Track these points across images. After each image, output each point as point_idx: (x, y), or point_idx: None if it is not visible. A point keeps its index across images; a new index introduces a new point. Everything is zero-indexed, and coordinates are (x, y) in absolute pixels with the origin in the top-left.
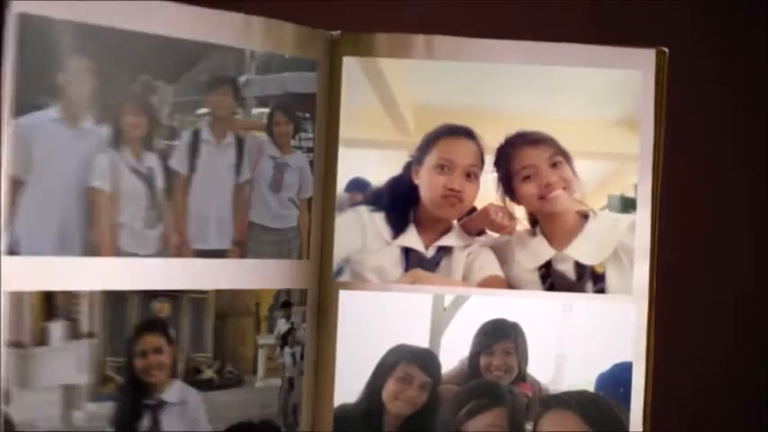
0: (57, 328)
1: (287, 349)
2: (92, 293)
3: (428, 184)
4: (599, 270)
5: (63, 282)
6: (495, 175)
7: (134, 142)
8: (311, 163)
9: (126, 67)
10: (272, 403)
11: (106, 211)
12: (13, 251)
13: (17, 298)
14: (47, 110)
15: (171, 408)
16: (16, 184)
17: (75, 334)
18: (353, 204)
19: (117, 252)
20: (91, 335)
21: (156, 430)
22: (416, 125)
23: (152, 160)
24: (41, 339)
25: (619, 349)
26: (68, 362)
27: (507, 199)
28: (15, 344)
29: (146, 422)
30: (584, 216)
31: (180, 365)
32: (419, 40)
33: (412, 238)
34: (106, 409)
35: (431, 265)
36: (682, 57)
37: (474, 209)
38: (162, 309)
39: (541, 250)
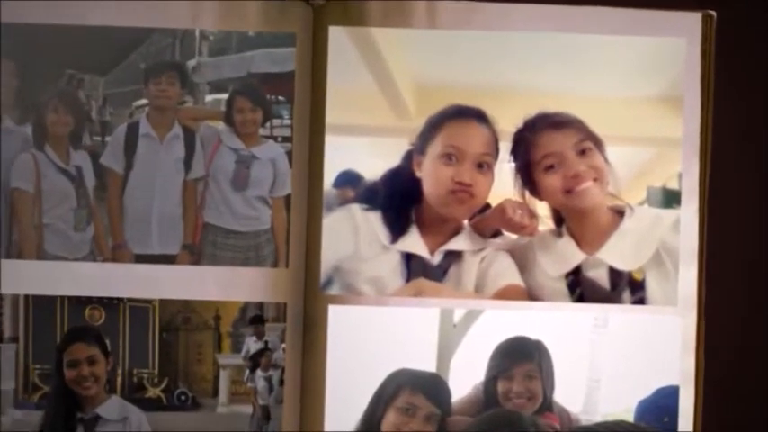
0: None
1: (259, 372)
2: (14, 297)
3: (433, 176)
4: (638, 277)
5: None
6: (513, 165)
7: (59, 140)
8: (289, 154)
9: (49, 64)
10: None
11: (29, 212)
12: None
13: None
14: None
15: (108, 424)
16: None
17: None
18: (344, 202)
19: (42, 255)
20: (14, 339)
21: None
22: (418, 107)
23: (81, 158)
24: None
25: (663, 371)
26: None
27: (527, 193)
28: None
29: None
30: (619, 213)
31: (119, 380)
32: (419, 5)
33: (414, 242)
34: (34, 417)
35: (437, 273)
36: (731, 23)
37: (488, 206)
38: (95, 316)
39: (568, 254)
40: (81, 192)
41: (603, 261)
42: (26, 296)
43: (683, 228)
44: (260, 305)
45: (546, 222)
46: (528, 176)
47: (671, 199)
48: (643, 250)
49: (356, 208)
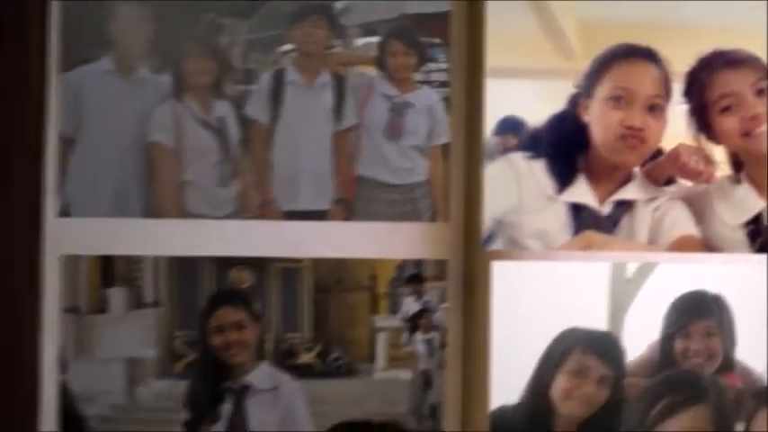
0: (116, 296)
1: (419, 335)
2: (156, 259)
3: (601, 121)
4: None
5: (120, 246)
6: (687, 107)
7: (200, 90)
8: (446, 101)
9: (186, 8)
10: (399, 400)
11: (169, 168)
12: (63, 213)
13: (70, 262)
14: (98, 62)
15: (259, 394)
16: (66, 143)
17: (137, 303)
18: (506, 151)
19: (183, 213)
20: (155, 304)
21: (239, 418)
22: (583, 46)
23: (224, 109)
24: (100, 307)
25: None
26: (131, 333)
27: (702, 137)
28: (71, 309)
29: (227, 408)
30: None
31: (268, 346)
32: None
33: (582, 192)
34: (178, 388)
35: (608, 225)
36: None
37: (660, 151)
38: (242, 278)
39: (749, 201)
40: (224, 145)
41: None
42: (167, 258)
43: None
44: (418, 263)
45: (723, 168)
46: (703, 119)
47: None
48: None
49: (519, 157)
